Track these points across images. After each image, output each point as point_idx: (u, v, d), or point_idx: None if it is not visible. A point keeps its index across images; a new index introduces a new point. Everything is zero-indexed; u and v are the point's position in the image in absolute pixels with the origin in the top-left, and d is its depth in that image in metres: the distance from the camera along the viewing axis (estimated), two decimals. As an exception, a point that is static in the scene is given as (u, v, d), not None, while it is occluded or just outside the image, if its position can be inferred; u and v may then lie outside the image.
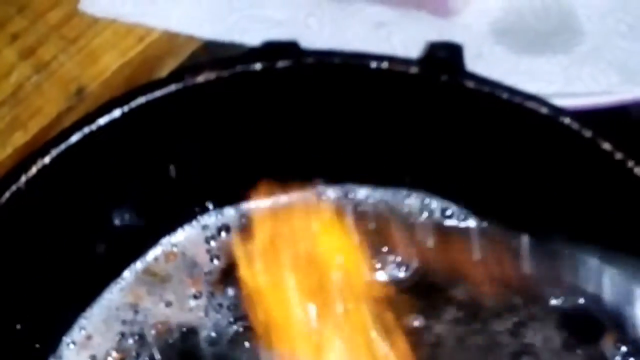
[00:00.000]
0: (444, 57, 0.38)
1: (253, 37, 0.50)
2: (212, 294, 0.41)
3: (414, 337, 0.40)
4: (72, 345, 0.41)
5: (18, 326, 0.40)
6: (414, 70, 0.39)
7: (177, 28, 0.51)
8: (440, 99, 0.39)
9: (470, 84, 0.38)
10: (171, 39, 0.52)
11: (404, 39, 0.49)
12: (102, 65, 0.51)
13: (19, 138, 0.49)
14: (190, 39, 0.52)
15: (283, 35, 0.50)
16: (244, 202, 0.44)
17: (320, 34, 0.50)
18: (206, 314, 0.41)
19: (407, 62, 0.39)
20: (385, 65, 0.38)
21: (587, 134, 0.36)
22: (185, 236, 0.44)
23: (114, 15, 0.51)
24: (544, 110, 0.37)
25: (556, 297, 0.41)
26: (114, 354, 0.41)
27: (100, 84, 0.50)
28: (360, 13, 0.51)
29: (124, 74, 0.51)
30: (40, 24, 0.52)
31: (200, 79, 0.39)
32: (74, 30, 0.51)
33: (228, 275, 0.42)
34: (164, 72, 0.52)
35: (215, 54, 0.52)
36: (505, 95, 0.37)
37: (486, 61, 0.49)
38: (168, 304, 0.42)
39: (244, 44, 0.50)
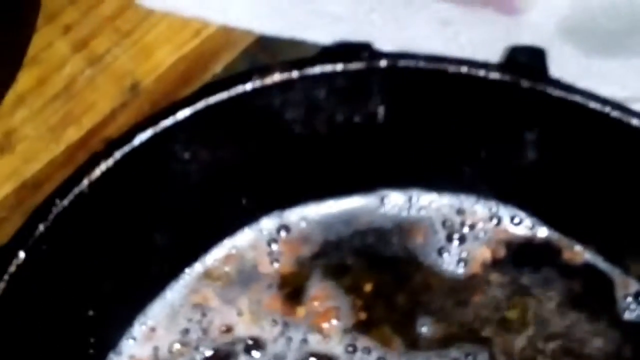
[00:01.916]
0: (526, 61, 0.37)
1: (313, 34, 0.48)
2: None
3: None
4: (131, 341, 0.40)
5: (78, 322, 0.39)
6: (494, 75, 0.37)
7: (234, 23, 0.49)
8: (522, 106, 0.38)
9: (554, 91, 0.37)
10: (227, 33, 0.50)
11: (471, 38, 0.48)
12: (156, 59, 0.49)
13: (73, 134, 0.47)
14: (245, 33, 0.51)
15: (345, 31, 0.49)
16: (306, 205, 0.43)
17: (383, 30, 0.48)
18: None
19: (487, 66, 0.37)
20: (464, 69, 0.37)
21: (679, 147, 0.35)
22: (245, 239, 0.43)
23: (169, 8, 0.49)
24: (633, 121, 0.35)
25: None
26: (177, 345, 0.40)
27: (154, 80, 0.48)
28: (425, 10, 0.49)
29: (178, 69, 0.49)
30: (93, 16, 0.50)
31: (269, 80, 0.38)
32: (128, 23, 0.50)
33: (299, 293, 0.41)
34: (218, 68, 0.51)
35: (269, 50, 0.51)
36: (592, 105, 0.36)
37: (555, 62, 0.47)
38: (233, 307, 0.41)
39: (303, 40, 0.49)
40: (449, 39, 0.48)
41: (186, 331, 0.41)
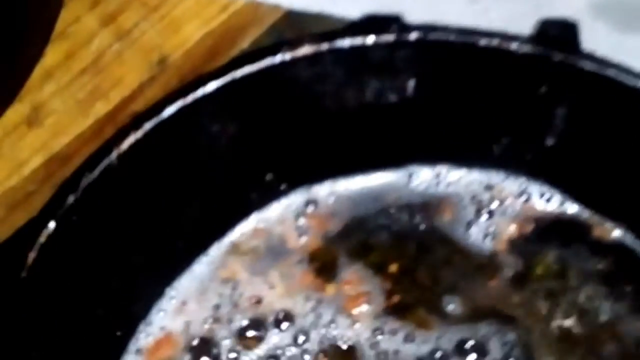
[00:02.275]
0: (557, 34, 0.37)
1: (341, 8, 0.48)
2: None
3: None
4: (162, 313, 0.40)
5: (107, 293, 0.39)
6: (525, 48, 0.37)
7: (263, -3, 0.49)
8: (553, 80, 0.37)
9: (586, 65, 0.36)
10: (254, 9, 0.50)
11: (501, 14, 0.47)
12: (184, 34, 0.49)
13: (101, 108, 0.47)
14: (273, 8, 0.50)
15: (374, 6, 0.49)
16: (334, 180, 0.43)
17: (412, 5, 0.47)
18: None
19: (518, 39, 0.37)
20: (495, 42, 0.37)
21: None
22: (273, 213, 0.43)
23: (197, -17, 0.49)
24: (668, 95, 0.35)
25: None
26: (209, 321, 0.40)
27: (182, 54, 0.48)
28: (454, -15, 0.49)
29: (206, 44, 0.49)
30: (121, -10, 0.51)
31: (299, 52, 0.38)
32: (157, -3, 0.50)
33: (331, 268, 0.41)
34: (245, 43, 0.51)
35: (296, 25, 0.51)
36: (625, 79, 0.35)
37: (587, 38, 0.47)
38: (264, 281, 0.41)
39: (331, 15, 0.49)
40: (479, 14, 0.47)
41: (217, 307, 0.40)
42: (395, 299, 0.40)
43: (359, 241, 0.42)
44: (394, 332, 0.40)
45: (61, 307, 0.37)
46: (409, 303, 0.40)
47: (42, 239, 0.36)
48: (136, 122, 0.37)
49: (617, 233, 0.41)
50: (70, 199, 0.36)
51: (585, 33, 0.48)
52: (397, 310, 0.40)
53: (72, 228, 0.37)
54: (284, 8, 0.49)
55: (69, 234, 0.36)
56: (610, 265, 0.40)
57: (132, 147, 0.37)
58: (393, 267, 0.41)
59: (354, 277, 0.41)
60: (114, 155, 0.37)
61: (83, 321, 0.38)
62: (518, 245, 0.41)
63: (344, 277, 0.41)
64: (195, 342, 0.40)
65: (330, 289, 0.40)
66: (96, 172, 0.36)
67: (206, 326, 0.40)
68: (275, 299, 0.40)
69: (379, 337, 0.40)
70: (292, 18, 0.51)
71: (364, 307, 0.40)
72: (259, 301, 0.40)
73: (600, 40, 0.48)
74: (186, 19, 0.49)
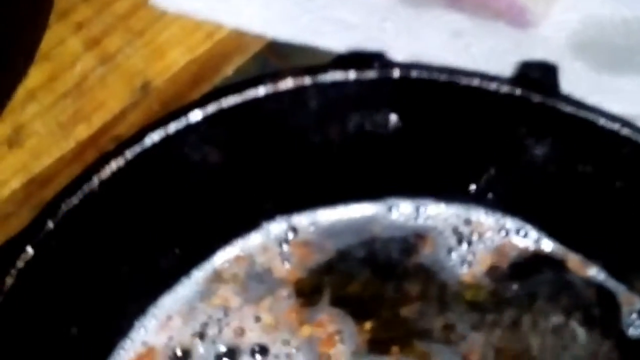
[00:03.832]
0: (537, 76, 0.37)
1: (325, 40, 0.48)
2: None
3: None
4: (143, 330, 0.41)
5: (85, 318, 0.39)
6: (505, 89, 0.37)
7: (247, 27, 0.49)
8: (531, 120, 0.38)
9: (564, 107, 0.37)
10: (239, 37, 0.50)
11: (483, 50, 0.48)
12: (168, 60, 0.49)
13: (82, 131, 0.47)
14: (257, 38, 0.51)
15: (356, 39, 0.49)
16: (315, 211, 0.43)
17: (395, 39, 0.48)
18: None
19: (498, 80, 0.37)
20: (475, 82, 0.37)
21: (689, 167, 0.35)
22: (255, 241, 0.43)
23: (183, 10, 0.49)
24: (643, 139, 0.36)
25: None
26: (195, 336, 0.40)
27: (166, 80, 0.49)
28: (437, 20, 0.49)
29: (190, 70, 0.49)
30: (106, 14, 0.50)
31: (282, 85, 0.38)
32: (141, 23, 0.50)
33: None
34: (229, 71, 0.51)
35: (281, 53, 0.51)
36: (601, 121, 0.36)
37: (566, 78, 0.47)
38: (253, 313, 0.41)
39: (314, 47, 0.49)
40: (460, 50, 0.48)
41: (205, 324, 0.41)
42: (373, 335, 0.41)
43: (339, 275, 0.42)
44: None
45: (38, 329, 0.37)
46: (386, 339, 0.41)
47: (20, 264, 0.36)
48: (118, 149, 0.37)
49: (592, 271, 0.42)
50: (50, 224, 0.37)
51: (565, 72, 0.49)
52: (375, 347, 0.40)
53: (51, 253, 0.37)
54: (268, 38, 0.50)
55: (48, 260, 0.36)
56: (584, 303, 0.41)
57: (114, 174, 0.37)
58: (372, 302, 0.42)
59: (332, 315, 0.41)
60: (94, 181, 0.37)
61: (61, 342, 0.38)
62: (497, 280, 0.42)
63: (323, 314, 0.41)
64: (178, 353, 0.40)
65: (308, 328, 0.40)
66: (76, 198, 0.36)
67: (190, 340, 0.40)
68: (257, 333, 0.40)
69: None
70: (277, 47, 0.51)
71: (340, 347, 0.40)
72: (242, 332, 0.40)
73: (579, 79, 0.49)
74: (171, 45, 0.50)
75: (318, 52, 0.49)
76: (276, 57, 0.52)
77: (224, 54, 0.50)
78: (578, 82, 0.48)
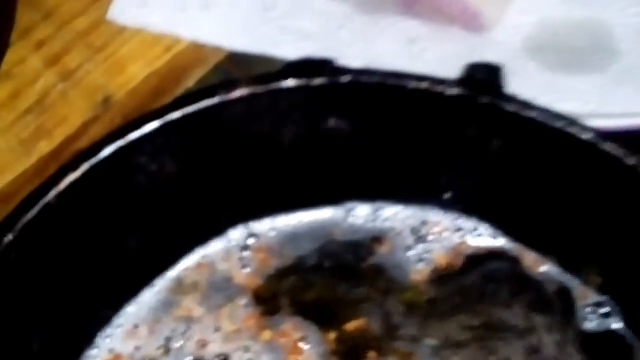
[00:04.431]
0: (484, 78, 0.38)
1: (283, 50, 0.49)
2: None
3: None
4: (109, 340, 0.41)
5: (46, 329, 0.39)
6: (452, 91, 0.38)
7: (206, 39, 0.50)
8: (478, 121, 0.39)
9: (509, 107, 0.37)
10: (198, 49, 0.51)
11: (437, 55, 0.49)
12: (128, 74, 0.50)
13: (44, 147, 0.48)
14: (217, 49, 0.52)
15: (314, 48, 0.50)
16: (275, 217, 0.44)
17: (352, 47, 0.49)
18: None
19: (445, 82, 0.38)
20: (424, 85, 0.38)
21: (631, 161, 0.36)
22: (215, 249, 0.43)
23: (142, 24, 0.50)
24: (586, 136, 0.36)
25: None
26: (160, 350, 0.41)
27: (126, 94, 0.49)
28: (392, 27, 0.50)
29: (150, 83, 0.50)
30: (66, 32, 0.51)
31: (235, 94, 0.39)
32: (101, 39, 0.51)
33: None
34: (190, 82, 0.52)
35: (242, 64, 0.52)
36: (546, 119, 0.37)
37: (519, 79, 0.48)
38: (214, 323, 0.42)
39: (273, 56, 0.50)
40: (415, 56, 0.49)
41: (169, 339, 0.41)
42: (339, 343, 0.41)
43: (299, 280, 0.43)
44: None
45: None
46: (349, 345, 0.41)
47: (-20, 277, 0.36)
48: (74, 162, 0.37)
49: (546, 267, 0.42)
50: (9, 237, 0.37)
51: (520, 74, 0.50)
52: (338, 353, 0.40)
53: (10, 266, 0.37)
54: (226, 49, 0.51)
55: (7, 272, 0.37)
56: (539, 298, 0.42)
57: (71, 186, 0.38)
58: (332, 307, 0.42)
59: (294, 322, 0.41)
60: (52, 194, 0.37)
61: (23, 353, 0.38)
62: (454, 277, 0.43)
63: (284, 321, 0.41)
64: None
65: (269, 334, 0.41)
66: (34, 211, 0.37)
67: (155, 354, 0.41)
68: (219, 343, 0.41)
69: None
70: (238, 58, 0.52)
71: (305, 354, 0.40)
72: (205, 345, 0.41)
73: (533, 81, 0.50)
74: (131, 59, 0.51)
75: (279, 62, 0.50)
76: (237, 68, 0.52)
77: (184, 66, 0.51)
78: (532, 83, 0.49)
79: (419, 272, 0.42)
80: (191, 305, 0.42)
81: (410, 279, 0.41)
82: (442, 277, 0.41)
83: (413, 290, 0.41)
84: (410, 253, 0.43)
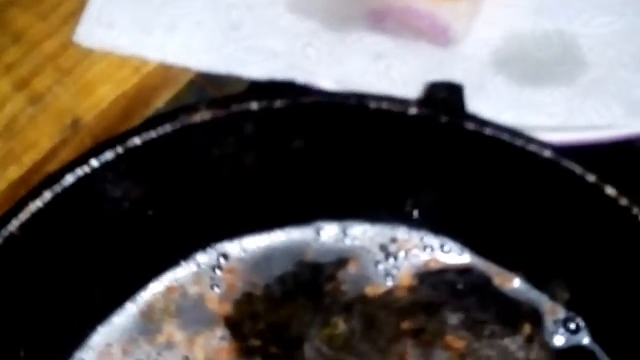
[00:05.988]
0: (444, 97, 0.38)
1: (250, 69, 0.49)
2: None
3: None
4: None
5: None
6: (413, 111, 0.38)
7: (173, 60, 0.50)
8: (440, 140, 0.38)
9: (470, 126, 0.37)
10: (167, 70, 0.51)
11: (403, 71, 0.48)
12: (97, 96, 0.50)
13: (13, 172, 0.48)
14: (186, 69, 0.52)
15: (280, 66, 0.50)
16: (243, 238, 0.43)
17: (318, 65, 0.49)
18: None
19: (406, 102, 0.38)
20: (384, 105, 0.38)
21: (591, 178, 0.36)
22: (185, 272, 0.43)
23: (109, 47, 0.50)
24: (546, 153, 0.36)
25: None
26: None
27: (95, 116, 0.49)
28: (359, 43, 0.50)
29: (119, 105, 0.50)
30: (34, 55, 0.51)
31: (197, 118, 0.39)
32: (69, 61, 0.51)
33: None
34: (159, 103, 0.52)
35: (215, 83, 0.52)
36: (506, 138, 0.37)
37: (487, 92, 0.49)
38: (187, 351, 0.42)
39: (240, 76, 0.50)
40: (382, 73, 0.49)
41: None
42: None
43: (269, 302, 0.43)
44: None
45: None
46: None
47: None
48: (35, 191, 0.37)
49: (514, 283, 0.42)
50: (-28, 267, 0.37)
51: (487, 88, 0.50)
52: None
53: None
54: (193, 70, 0.51)
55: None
56: (508, 314, 0.42)
57: (33, 216, 0.37)
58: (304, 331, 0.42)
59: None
60: (13, 225, 0.37)
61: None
62: (422, 296, 0.43)
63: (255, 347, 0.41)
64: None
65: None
66: (-2, 240, 0.37)
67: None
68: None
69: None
70: (213, 76, 0.51)
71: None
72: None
73: (501, 94, 0.50)
74: (99, 81, 0.50)
75: (250, 80, 0.50)
76: (213, 87, 0.52)
77: (153, 87, 0.51)
78: (499, 97, 0.50)
79: (388, 284, 0.42)
80: (165, 329, 0.42)
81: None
82: (412, 292, 0.41)
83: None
84: (380, 266, 0.43)
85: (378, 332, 0.41)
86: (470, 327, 0.41)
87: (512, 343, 0.41)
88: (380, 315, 0.42)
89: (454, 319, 0.41)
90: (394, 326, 0.41)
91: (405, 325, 0.41)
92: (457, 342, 0.41)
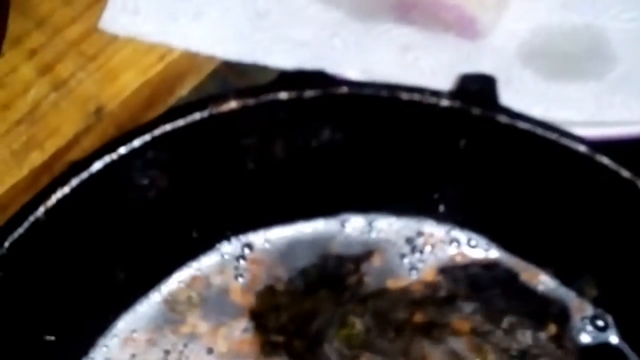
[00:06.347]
0: (477, 89, 0.37)
1: (276, 58, 0.49)
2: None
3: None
4: (105, 348, 0.41)
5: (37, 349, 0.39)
6: (445, 103, 0.38)
7: (198, 48, 0.50)
8: (472, 133, 0.38)
9: (503, 119, 0.37)
10: (191, 58, 0.51)
11: (431, 63, 0.48)
12: (121, 84, 0.49)
13: (36, 158, 0.47)
14: (211, 57, 0.51)
15: (307, 56, 0.50)
16: (269, 229, 0.43)
17: (345, 55, 0.49)
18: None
19: (438, 94, 0.38)
20: (416, 97, 0.37)
21: (625, 174, 0.35)
22: (209, 262, 0.43)
23: (134, 33, 0.49)
24: (580, 148, 0.36)
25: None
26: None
27: (119, 104, 0.49)
28: (386, 35, 0.50)
29: (143, 93, 0.50)
30: (58, 40, 0.50)
31: (226, 107, 0.39)
32: (93, 47, 0.50)
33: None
34: (183, 91, 0.51)
35: (238, 72, 0.51)
36: (539, 132, 0.36)
37: (515, 86, 0.48)
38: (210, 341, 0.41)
39: (266, 65, 0.49)
40: (409, 64, 0.48)
41: (167, 352, 0.41)
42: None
43: (294, 293, 0.42)
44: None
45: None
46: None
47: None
48: (63, 177, 0.37)
49: (542, 279, 0.42)
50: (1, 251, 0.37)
51: (514, 81, 0.50)
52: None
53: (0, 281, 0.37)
54: (218, 58, 0.50)
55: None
56: (536, 311, 0.41)
57: (60, 202, 0.37)
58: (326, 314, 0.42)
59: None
60: (41, 210, 0.37)
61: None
62: (450, 290, 0.43)
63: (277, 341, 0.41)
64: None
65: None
66: (23, 227, 0.36)
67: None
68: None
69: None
70: (235, 65, 0.51)
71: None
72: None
73: (528, 88, 0.49)
74: (123, 68, 0.50)
75: (276, 69, 0.50)
76: (235, 76, 0.52)
77: (177, 75, 0.51)
78: (527, 91, 0.49)
79: (413, 279, 0.42)
80: (189, 320, 0.42)
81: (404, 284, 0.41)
82: (440, 286, 0.41)
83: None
84: (405, 259, 0.43)
85: (390, 325, 0.41)
86: (487, 315, 0.41)
87: (534, 338, 0.41)
88: (391, 309, 0.42)
89: (468, 307, 0.41)
90: (404, 319, 0.41)
91: (418, 317, 0.41)
92: (465, 325, 0.41)
